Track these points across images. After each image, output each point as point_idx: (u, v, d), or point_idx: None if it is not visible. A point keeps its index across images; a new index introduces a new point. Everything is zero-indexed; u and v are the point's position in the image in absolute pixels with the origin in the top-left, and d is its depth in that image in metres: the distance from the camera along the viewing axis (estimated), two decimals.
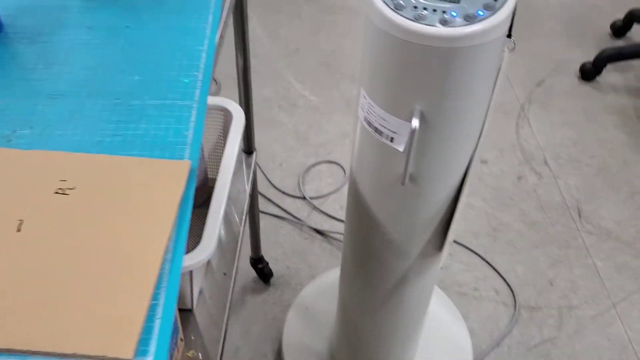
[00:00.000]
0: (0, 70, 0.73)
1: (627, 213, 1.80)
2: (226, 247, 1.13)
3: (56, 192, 0.58)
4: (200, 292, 1.04)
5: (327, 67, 2.26)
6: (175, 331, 0.88)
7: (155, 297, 0.51)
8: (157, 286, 0.52)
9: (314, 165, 1.89)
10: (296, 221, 1.72)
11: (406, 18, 0.68)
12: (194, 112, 0.68)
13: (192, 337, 0.98)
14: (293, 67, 2.25)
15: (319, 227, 1.71)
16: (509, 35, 0.77)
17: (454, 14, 0.68)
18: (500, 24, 0.69)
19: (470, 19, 0.68)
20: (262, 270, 1.53)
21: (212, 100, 1.15)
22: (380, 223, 0.92)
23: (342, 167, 1.89)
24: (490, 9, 0.69)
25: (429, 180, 0.83)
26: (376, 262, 0.99)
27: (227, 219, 1.18)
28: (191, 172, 0.61)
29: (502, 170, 1.91)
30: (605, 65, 2.24)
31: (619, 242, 1.71)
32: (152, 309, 0.51)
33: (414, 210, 0.87)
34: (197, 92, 0.71)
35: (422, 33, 0.67)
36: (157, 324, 0.50)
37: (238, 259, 1.10)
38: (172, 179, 0.59)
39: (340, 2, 2.60)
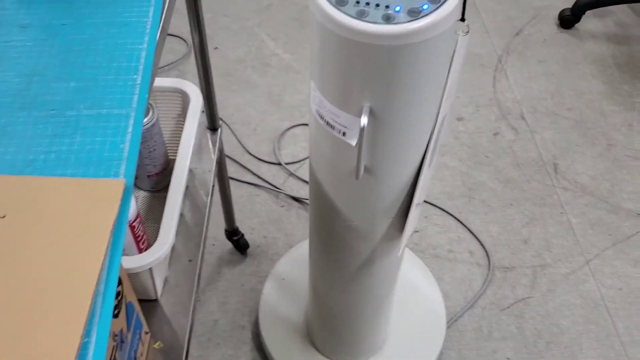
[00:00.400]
0: None
1: (602, 167, 1.79)
2: (193, 230, 1.12)
3: None
4: (166, 280, 1.04)
5: (300, 23, 2.20)
6: (138, 326, 0.89)
7: (87, 334, 0.51)
8: (90, 321, 0.51)
9: (288, 128, 1.86)
10: (272, 189, 1.71)
11: (348, 15, 0.65)
12: (131, 122, 0.66)
13: (159, 328, 0.99)
14: (265, 24, 2.19)
15: (295, 194, 1.70)
16: (463, 19, 0.74)
17: (398, 8, 0.65)
18: (447, 17, 0.66)
19: (414, 14, 0.65)
20: (238, 242, 1.54)
21: (169, 82, 1.12)
22: (340, 210, 0.91)
23: None
24: (436, 1, 0.66)
25: (383, 172, 0.81)
26: (340, 245, 0.98)
27: (193, 201, 1.17)
28: (126, 190, 0.59)
29: (478, 127, 1.89)
30: (584, 12, 2.19)
31: (594, 197, 1.72)
32: (84, 347, 0.50)
33: (371, 199, 0.86)
34: (135, 98, 0.68)
35: (364, 31, 0.64)
36: None
37: (204, 243, 1.10)
38: (105, 201, 0.58)
39: None
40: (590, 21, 2.24)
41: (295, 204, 1.68)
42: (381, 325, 1.24)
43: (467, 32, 0.76)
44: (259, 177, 1.73)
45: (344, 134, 0.77)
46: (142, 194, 1.15)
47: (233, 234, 1.52)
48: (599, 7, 2.19)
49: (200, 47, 1.11)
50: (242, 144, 1.81)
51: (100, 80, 0.70)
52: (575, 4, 2.16)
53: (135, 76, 0.70)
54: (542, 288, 1.53)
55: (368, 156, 0.78)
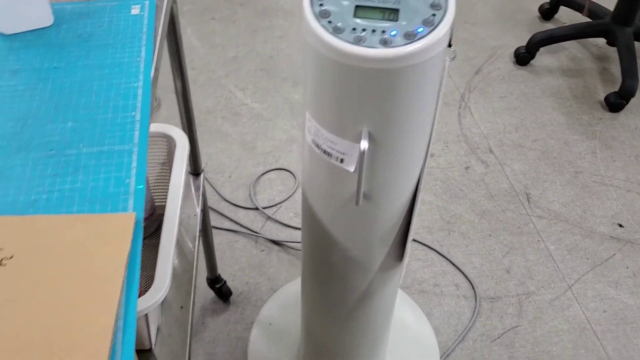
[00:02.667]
0: None
1: (572, 193, 1.84)
2: (181, 278, 1.10)
3: None
4: (158, 329, 1.00)
5: (267, 73, 2.23)
6: None
7: None
8: (112, 357, 0.49)
9: (263, 174, 1.86)
10: (251, 233, 1.69)
11: (346, 41, 0.67)
12: (134, 157, 0.65)
13: None
14: (232, 76, 2.21)
15: (274, 237, 1.68)
16: (449, 45, 0.76)
17: (394, 32, 0.67)
18: (441, 40, 0.68)
19: (410, 37, 0.67)
20: (220, 290, 1.50)
21: (154, 127, 1.11)
22: (337, 240, 0.90)
23: (292, 173, 1.86)
24: (430, 24, 0.68)
25: (383, 197, 0.82)
26: (337, 278, 0.97)
27: (180, 248, 1.14)
28: (137, 224, 0.58)
29: (449, 161, 1.93)
30: (538, 49, 2.29)
31: (568, 223, 1.76)
32: None
33: (370, 226, 0.86)
34: (136, 134, 0.67)
35: (364, 56, 0.66)
36: None
37: (194, 290, 1.07)
38: (117, 235, 0.56)
39: (274, 4, 2.57)
40: (544, 57, 2.34)
41: (275, 247, 1.67)
42: None
43: (454, 57, 0.78)
44: (236, 222, 1.71)
45: (341, 160, 0.78)
46: None
47: (215, 281, 1.49)
48: (551, 43, 2.30)
49: (183, 92, 1.11)
50: (217, 192, 1.79)
51: (98, 120, 0.69)
52: (529, 41, 2.26)
53: (133, 113, 0.70)
54: (529, 316, 1.54)
55: (367, 181, 0.79)
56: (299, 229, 1.71)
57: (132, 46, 0.79)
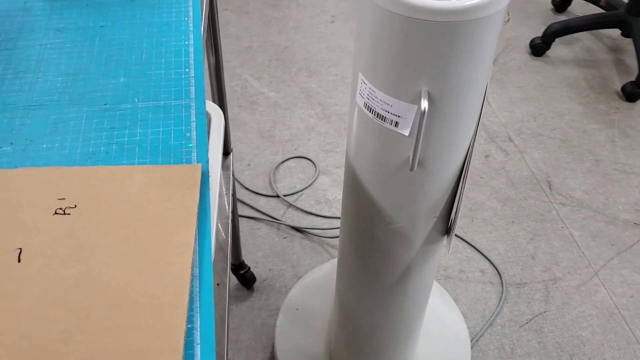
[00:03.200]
0: None
1: (593, 181, 1.82)
2: (217, 255, 1.07)
3: (56, 213, 0.51)
4: None
5: (282, 63, 2.20)
6: None
7: (189, 319, 0.46)
8: (190, 307, 0.46)
9: (282, 162, 1.84)
10: (272, 221, 1.66)
11: None
12: (192, 112, 0.62)
13: None
14: (247, 65, 2.18)
15: (296, 224, 1.66)
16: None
17: None
18: None
19: None
20: (245, 276, 1.47)
21: None
22: (384, 212, 0.88)
23: (311, 161, 1.84)
24: None
25: (436, 163, 0.79)
26: (379, 254, 0.95)
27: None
28: (203, 175, 0.56)
29: None
30: (553, 40, 2.27)
31: (591, 210, 1.74)
32: (189, 333, 0.45)
33: (421, 195, 0.84)
34: (192, 89, 0.65)
35: (437, 9, 0.64)
36: (197, 350, 0.44)
37: (229, 267, 1.04)
38: (185, 185, 0.54)
39: None
40: (558, 49, 2.32)
41: (298, 234, 1.64)
42: (412, 346, 1.19)
43: (508, 20, 0.76)
44: (258, 210, 1.69)
45: (396, 124, 0.75)
46: None
47: (239, 267, 1.46)
48: (567, 34, 2.29)
49: (217, 67, 1.08)
50: (237, 180, 1.77)
51: (151, 75, 0.66)
52: (545, 32, 2.24)
53: (187, 69, 0.67)
54: (557, 301, 1.51)
55: (420, 146, 0.76)
56: (322, 216, 1.68)
57: (178, 6, 0.77)
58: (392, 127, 0.76)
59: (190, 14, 0.75)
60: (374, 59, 0.73)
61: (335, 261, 1.53)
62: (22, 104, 0.63)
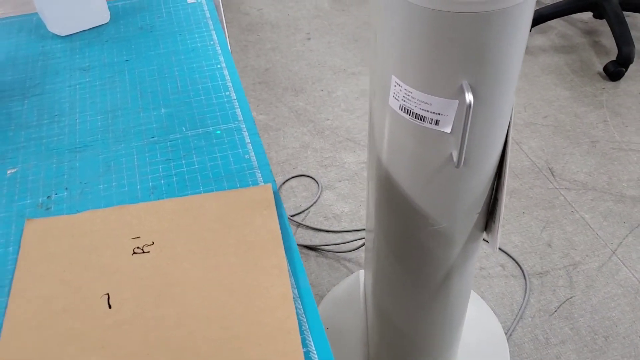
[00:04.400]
0: (1, 135, 0.62)
1: (594, 162, 1.84)
2: None
3: (134, 253, 0.49)
4: None
5: (266, 85, 2.19)
6: None
7: (303, 343, 0.43)
8: (299, 330, 0.44)
9: (284, 182, 1.81)
10: None
11: None
12: (245, 134, 0.61)
13: None
14: None
15: (308, 242, 1.63)
16: None
17: None
18: None
19: None
20: None
21: None
22: (425, 213, 0.87)
23: (313, 179, 1.82)
24: None
25: (478, 156, 0.79)
26: (421, 256, 0.93)
27: None
28: (275, 194, 0.54)
29: None
30: (529, 30, 2.30)
31: (597, 191, 1.75)
32: (306, 357, 0.43)
33: (464, 192, 0.83)
34: (238, 111, 0.63)
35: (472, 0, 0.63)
36: None
37: None
38: (260, 207, 0.52)
39: (258, 19, 2.55)
40: (535, 38, 2.36)
41: (312, 253, 1.62)
42: (456, 348, 1.17)
43: None
44: None
45: (436, 122, 0.74)
46: None
47: None
48: (541, 22, 2.32)
49: None
50: None
51: (191, 103, 0.64)
52: None
53: (227, 92, 0.65)
54: (581, 285, 1.51)
55: (461, 141, 0.76)
56: (333, 231, 1.66)
57: (200, 31, 0.75)
58: (433, 126, 0.75)
59: (215, 37, 0.74)
60: (408, 59, 0.72)
61: (357, 274, 1.51)
62: (66, 148, 0.60)
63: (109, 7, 0.79)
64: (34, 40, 0.74)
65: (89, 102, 0.65)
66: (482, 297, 1.48)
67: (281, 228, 0.51)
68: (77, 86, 0.67)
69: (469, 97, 0.68)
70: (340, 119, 2.04)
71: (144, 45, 0.73)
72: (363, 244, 1.63)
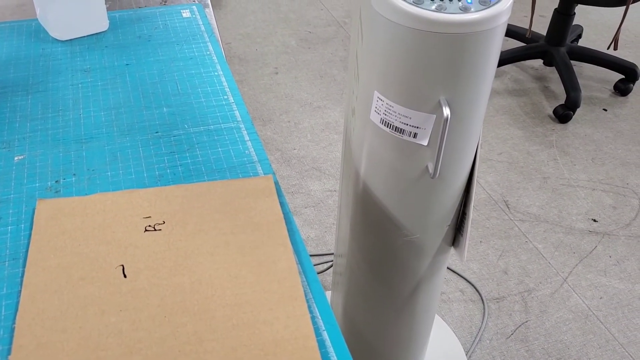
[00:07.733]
0: (7, 126, 0.64)
1: (545, 197, 1.95)
2: None
3: (146, 230, 0.52)
4: None
5: None
6: None
7: (309, 309, 0.47)
8: (305, 298, 0.48)
9: None
10: None
11: (430, 10, 0.71)
12: (244, 132, 0.65)
13: None
14: None
15: None
16: None
17: (469, 1, 0.72)
18: (508, 7, 0.74)
19: (485, 3, 0.72)
20: None
21: None
22: (400, 224, 0.92)
23: None
24: None
25: (451, 169, 0.85)
26: (394, 267, 0.98)
27: None
28: (276, 185, 0.58)
29: None
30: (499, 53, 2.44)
31: (548, 223, 1.85)
32: (312, 321, 0.46)
33: (437, 203, 0.88)
34: (237, 113, 0.67)
35: (448, 22, 0.70)
36: (325, 335, 0.46)
37: None
38: (263, 194, 0.56)
39: (227, 52, 2.61)
40: None
41: None
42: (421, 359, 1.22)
43: None
44: None
45: (414, 135, 0.80)
46: None
47: None
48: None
49: None
50: None
51: (192, 104, 0.69)
52: None
53: (225, 97, 0.70)
54: (535, 310, 1.59)
55: (437, 153, 0.82)
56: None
57: (196, 42, 0.79)
58: (411, 139, 0.81)
59: (211, 48, 0.78)
60: (391, 76, 0.78)
61: (328, 294, 1.54)
62: (72, 138, 0.63)
63: (109, 17, 0.83)
64: (34, 43, 0.77)
65: (92, 100, 0.68)
66: (443, 320, 1.54)
67: (283, 213, 0.55)
68: (80, 85, 0.71)
69: (447, 111, 0.75)
70: (306, 149, 2.10)
71: (143, 52, 0.77)
72: (329, 267, 1.67)
